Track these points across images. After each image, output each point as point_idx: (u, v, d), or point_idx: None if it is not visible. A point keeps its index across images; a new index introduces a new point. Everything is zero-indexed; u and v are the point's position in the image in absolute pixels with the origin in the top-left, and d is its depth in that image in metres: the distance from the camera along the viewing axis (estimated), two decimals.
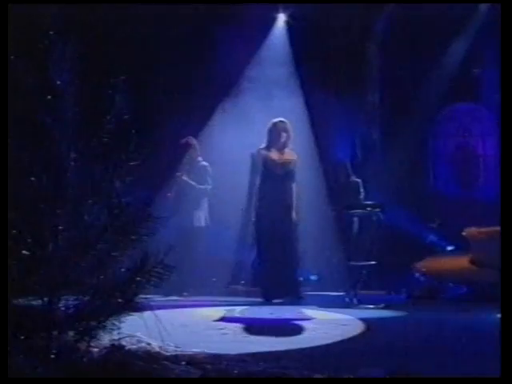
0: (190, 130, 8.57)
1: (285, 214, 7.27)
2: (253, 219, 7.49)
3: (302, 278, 7.74)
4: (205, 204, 8.26)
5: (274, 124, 7.51)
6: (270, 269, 7.25)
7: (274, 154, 7.43)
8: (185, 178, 8.21)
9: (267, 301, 7.08)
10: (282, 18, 9.80)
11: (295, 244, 7.36)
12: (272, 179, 7.36)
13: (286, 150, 7.48)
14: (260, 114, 8.62)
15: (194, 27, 9.23)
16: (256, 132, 8.08)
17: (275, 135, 7.45)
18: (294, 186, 7.42)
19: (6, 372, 2.68)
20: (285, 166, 7.41)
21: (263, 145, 7.50)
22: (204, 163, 8.34)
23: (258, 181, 7.47)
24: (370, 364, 3.54)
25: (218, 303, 7.01)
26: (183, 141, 8.36)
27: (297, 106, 9.06)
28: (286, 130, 7.45)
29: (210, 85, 9.09)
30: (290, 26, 9.64)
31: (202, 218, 8.18)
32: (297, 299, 7.12)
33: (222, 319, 5.68)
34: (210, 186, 8.26)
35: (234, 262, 9.00)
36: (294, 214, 7.31)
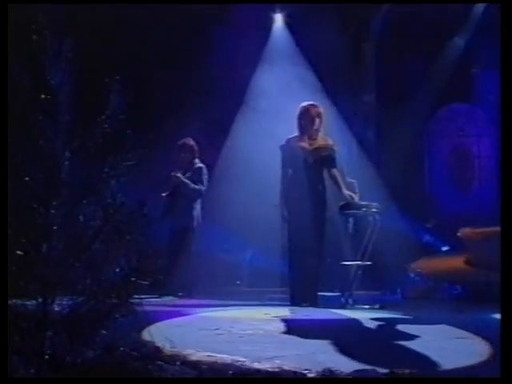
0: (189, 130, 8.51)
1: (318, 208, 6.64)
2: (286, 215, 6.72)
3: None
4: (198, 205, 8.21)
5: (306, 109, 6.73)
6: (295, 272, 6.72)
7: (304, 142, 6.69)
8: (179, 175, 8.15)
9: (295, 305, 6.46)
10: (279, 18, 9.82)
11: (320, 245, 6.69)
12: (303, 170, 6.65)
13: (320, 135, 6.77)
14: (267, 115, 8.60)
15: (192, 27, 9.24)
16: (264, 132, 8.05)
17: (307, 121, 6.70)
18: (329, 174, 6.73)
19: (6, 372, 2.67)
20: (316, 153, 6.68)
21: (295, 133, 6.79)
22: (200, 165, 8.27)
23: (289, 174, 6.75)
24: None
25: (216, 303, 7.01)
26: (180, 142, 8.29)
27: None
28: (319, 115, 6.73)
29: (208, 85, 9.09)
30: (289, 25, 9.66)
31: (195, 218, 8.14)
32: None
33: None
34: (203, 188, 8.19)
35: (230, 263, 9.00)
36: (327, 208, 6.70)
